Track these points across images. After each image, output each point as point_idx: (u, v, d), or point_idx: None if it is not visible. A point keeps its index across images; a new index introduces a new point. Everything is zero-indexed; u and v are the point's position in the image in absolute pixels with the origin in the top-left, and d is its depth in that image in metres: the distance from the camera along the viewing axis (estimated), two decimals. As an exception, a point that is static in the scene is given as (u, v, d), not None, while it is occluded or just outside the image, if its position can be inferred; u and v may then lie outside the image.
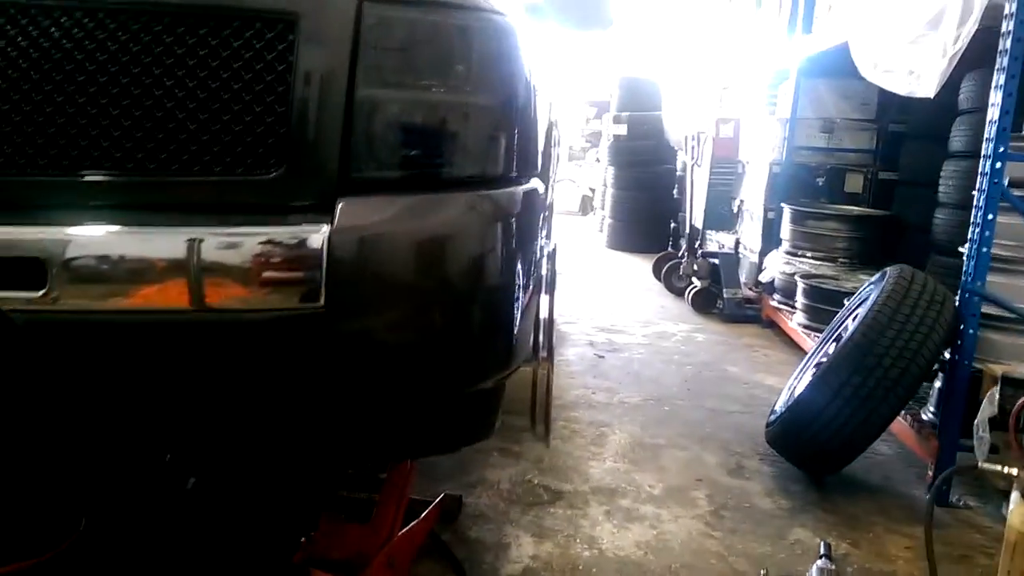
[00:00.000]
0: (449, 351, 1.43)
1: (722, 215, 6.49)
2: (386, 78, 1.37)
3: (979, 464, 1.92)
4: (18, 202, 1.29)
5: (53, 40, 1.27)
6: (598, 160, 11.35)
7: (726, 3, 7.54)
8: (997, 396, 2.16)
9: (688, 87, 7.56)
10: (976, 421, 2.32)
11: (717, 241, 6.54)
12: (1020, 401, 1.80)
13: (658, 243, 7.81)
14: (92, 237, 1.28)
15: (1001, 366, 2.68)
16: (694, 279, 6.10)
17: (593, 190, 11.97)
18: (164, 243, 1.27)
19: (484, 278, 1.46)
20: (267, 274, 1.29)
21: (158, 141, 1.30)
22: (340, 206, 1.32)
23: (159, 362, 1.28)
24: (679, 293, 6.38)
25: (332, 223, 1.31)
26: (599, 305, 5.99)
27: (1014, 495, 1.75)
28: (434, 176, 1.45)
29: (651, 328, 5.42)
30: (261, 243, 1.29)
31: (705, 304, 5.91)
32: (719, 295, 5.85)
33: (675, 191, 8.06)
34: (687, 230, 6.55)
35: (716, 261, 6.02)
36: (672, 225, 7.69)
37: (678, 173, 8.04)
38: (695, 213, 6.41)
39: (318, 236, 1.29)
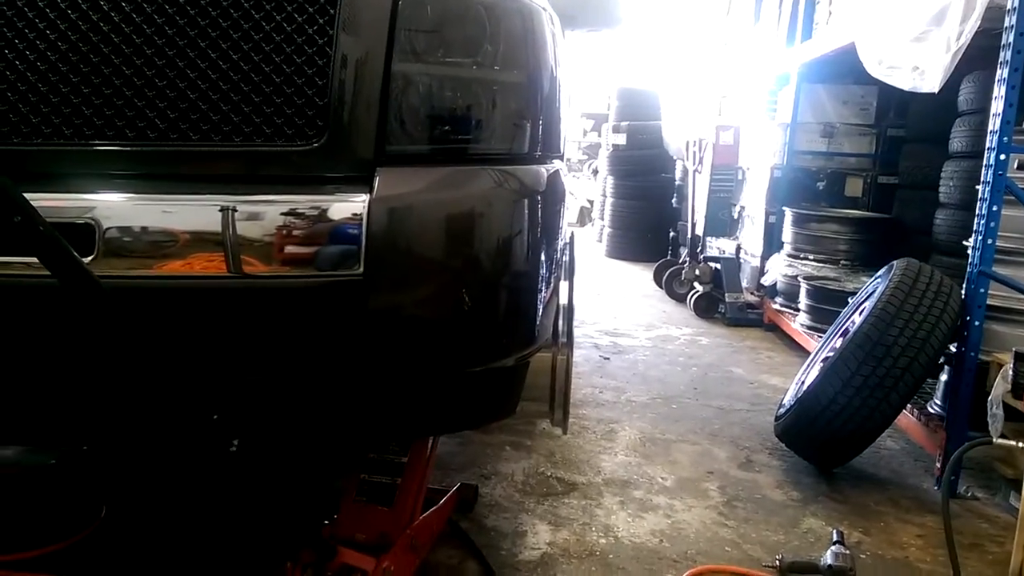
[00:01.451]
0: (477, 318, 1.46)
1: (722, 221, 6.54)
2: (421, 54, 1.42)
3: (993, 440, 1.95)
4: (67, 171, 1.32)
5: (103, 12, 1.30)
6: (596, 172, 11.43)
7: (723, 17, 7.64)
8: (1011, 372, 2.20)
9: (687, 97, 7.64)
10: (990, 398, 2.36)
11: (718, 247, 6.59)
12: (1035, 375, 1.84)
13: (658, 252, 7.86)
14: (137, 206, 1.32)
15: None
16: (696, 284, 6.14)
17: (591, 202, 12.02)
18: (211, 212, 1.30)
19: (511, 251, 1.50)
20: (309, 241, 1.32)
21: (202, 112, 1.33)
22: (378, 176, 1.36)
23: (205, 325, 1.31)
24: (680, 299, 6.41)
25: (371, 192, 1.34)
26: (602, 311, 6.03)
27: (1029, 470, 1.78)
28: (463, 151, 1.49)
29: (654, 332, 5.45)
30: (302, 211, 1.33)
31: (707, 309, 5.95)
32: (721, 300, 5.89)
33: (674, 200, 8.13)
34: (688, 237, 6.60)
35: (717, 266, 6.07)
36: (671, 234, 7.75)
37: (677, 182, 8.11)
38: (696, 219, 6.47)
39: (358, 204, 1.33)
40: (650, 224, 8.65)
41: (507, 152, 1.54)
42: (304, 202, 1.33)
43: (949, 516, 2.02)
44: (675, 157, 7.90)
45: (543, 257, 1.60)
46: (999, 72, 2.68)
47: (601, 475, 2.94)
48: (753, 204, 6.07)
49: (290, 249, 1.31)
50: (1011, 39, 2.62)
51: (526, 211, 1.54)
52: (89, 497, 2.36)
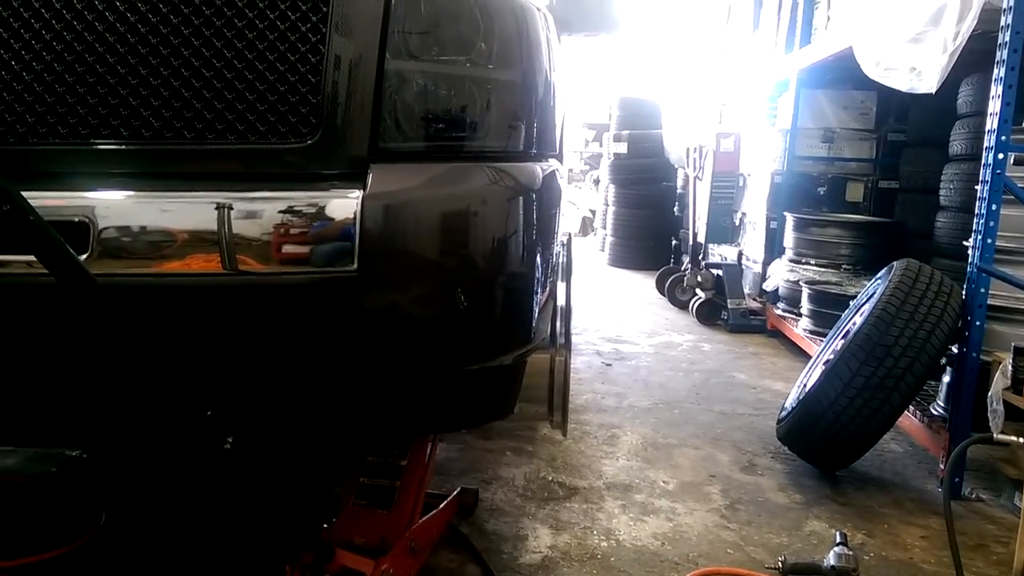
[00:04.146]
0: (472, 316, 1.46)
1: (724, 228, 6.55)
2: (414, 52, 1.43)
3: (994, 436, 1.94)
4: (62, 170, 1.33)
5: (98, 12, 1.32)
6: (597, 181, 11.45)
7: (723, 25, 7.67)
8: (1010, 368, 2.19)
9: (688, 105, 7.66)
10: (990, 394, 2.35)
11: (719, 254, 6.60)
12: (1034, 369, 1.83)
13: (660, 260, 7.86)
14: (132, 204, 1.33)
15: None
16: (698, 291, 6.13)
17: (593, 212, 12.05)
18: (205, 210, 1.31)
19: (506, 248, 1.50)
20: (302, 237, 1.33)
21: (196, 110, 1.34)
22: (372, 173, 1.36)
23: (200, 322, 1.32)
24: (683, 306, 6.41)
25: (364, 189, 1.35)
26: (604, 318, 6.02)
27: (1030, 466, 1.77)
28: (457, 149, 1.50)
29: (657, 338, 5.44)
30: (296, 208, 1.33)
31: (710, 315, 5.94)
32: (723, 306, 5.88)
33: (676, 208, 8.14)
34: (690, 244, 6.61)
35: (719, 273, 6.07)
36: (674, 242, 7.76)
37: (679, 190, 8.12)
38: (698, 226, 6.47)
39: (352, 201, 1.34)
40: (652, 232, 8.66)
41: (502, 150, 1.55)
42: (298, 199, 1.33)
43: (951, 513, 2.00)
44: (676, 165, 7.91)
45: (539, 254, 1.60)
46: (996, 72, 2.69)
47: (603, 479, 2.93)
48: (754, 210, 6.07)
49: (283, 246, 1.32)
50: (1007, 38, 2.63)
51: (521, 208, 1.55)
52: (89, 503, 2.36)
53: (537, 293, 1.63)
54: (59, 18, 1.32)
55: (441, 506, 2.33)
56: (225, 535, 2.17)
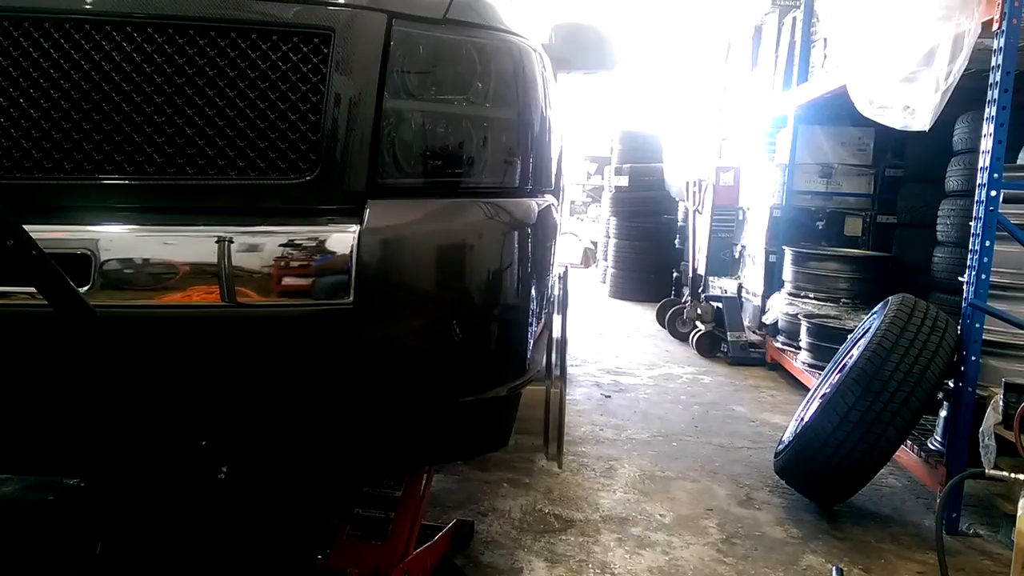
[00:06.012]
0: (467, 348, 1.48)
1: (724, 261, 6.58)
2: (412, 91, 1.47)
3: (986, 471, 1.95)
4: (66, 204, 1.36)
5: (105, 52, 1.36)
6: (599, 215, 11.54)
7: (722, 62, 7.78)
8: (1001, 403, 2.20)
9: (688, 139, 7.74)
10: (981, 429, 2.35)
11: (720, 287, 6.62)
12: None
13: (660, 292, 7.89)
14: (133, 237, 1.36)
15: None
16: (698, 323, 6.15)
17: (595, 243, 12.12)
18: (205, 243, 1.34)
19: (501, 281, 1.53)
20: (300, 271, 1.36)
21: (199, 147, 1.38)
22: (369, 208, 1.40)
23: (198, 353, 1.34)
24: (683, 338, 6.42)
25: (361, 224, 1.38)
26: (604, 350, 6.03)
27: (1022, 501, 1.78)
28: (454, 185, 1.53)
29: (656, 371, 5.45)
30: (294, 242, 1.36)
31: (710, 348, 5.95)
32: (723, 339, 5.89)
33: (677, 240, 8.19)
34: (690, 277, 6.64)
35: (719, 305, 6.09)
36: (675, 274, 7.80)
37: (679, 223, 8.17)
38: (698, 259, 6.51)
39: (349, 235, 1.37)
40: (653, 264, 8.71)
41: (497, 186, 1.58)
42: (296, 233, 1.36)
43: (944, 548, 2.00)
44: (676, 198, 7.98)
45: (534, 287, 1.63)
46: (988, 111, 2.73)
47: (599, 512, 2.92)
48: (754, 244, 6.11)
49: (281, 278, 1.35)
50: (998, 78, 2.68)
51: (516, 242, 1.58)
52: (85, 533, 2.36)
53: (532, 325, 1.65)
54: (66, 57, 1.36)
55: (436, 538, 2.32)
56: (220, 565, 2.17)
